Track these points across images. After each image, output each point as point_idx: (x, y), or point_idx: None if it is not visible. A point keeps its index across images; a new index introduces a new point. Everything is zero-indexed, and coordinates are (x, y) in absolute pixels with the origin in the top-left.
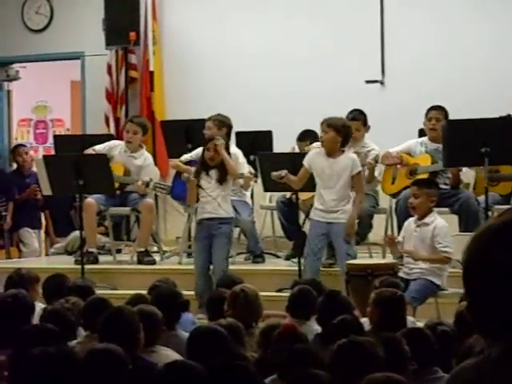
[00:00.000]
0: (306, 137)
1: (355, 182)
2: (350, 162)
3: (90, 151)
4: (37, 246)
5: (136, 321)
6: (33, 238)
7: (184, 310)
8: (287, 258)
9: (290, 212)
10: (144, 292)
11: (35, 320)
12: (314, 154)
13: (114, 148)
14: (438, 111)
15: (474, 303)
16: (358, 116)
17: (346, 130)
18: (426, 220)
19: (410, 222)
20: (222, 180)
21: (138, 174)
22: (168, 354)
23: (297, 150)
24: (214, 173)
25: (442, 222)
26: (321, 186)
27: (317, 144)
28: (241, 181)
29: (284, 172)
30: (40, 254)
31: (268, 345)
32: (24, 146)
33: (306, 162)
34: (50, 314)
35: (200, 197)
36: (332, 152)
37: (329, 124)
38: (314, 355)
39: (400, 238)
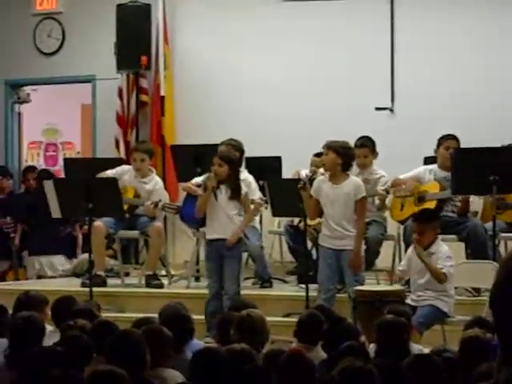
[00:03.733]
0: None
1: (357, 207)
2: (354, 187)
3: (101, 175)
4: (37, 271)
5: (143, 343)
6: (36, 262)
7: (191, 336)
8: (289, 273)
9: (296, 236)
10: (152, 315)
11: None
12: (319, 182)
13: (125, 173)
14: (454, 141)
15: (503, 326)
16: (367, 142)
17: (345, 152)
18: (432, 249)
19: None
20: (233, 197)
21: (149, 199)
22: (175, 377)
23: (303, 171)
24: (224, 189)
25: (445, 248)
26: (326, 212)
27: (304, 171)
28: (252, 206)
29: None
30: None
31: (272, 369)
32: (34, 168)
33: (312, 192)
34: (67, 338)
35: (209, 213)
36: (335, 176)
37: (329, 146)
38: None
39: (401, 267)
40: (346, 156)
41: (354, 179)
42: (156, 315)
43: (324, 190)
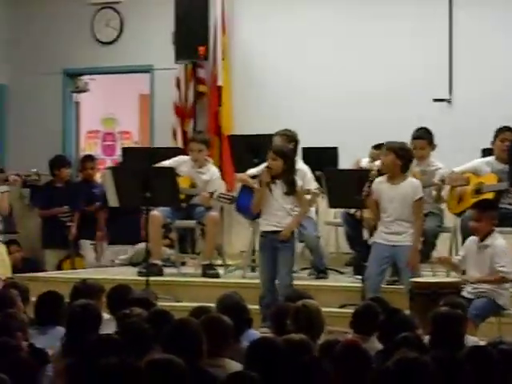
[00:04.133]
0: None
1: (414, 208)
2: (412, 188)
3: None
4: (92, 258)
5: (200, 333)
6: (93, 251)
7: (249, 326)
8: (347, 264)
9: (354, 223)
10: (208, 304)
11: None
12: (377, 183)
13: (183, 163)
14: (510, 133)
15: None
16: (424, 134)
17: (404, 154)
18: (488, 242)
19: (471, 241)
20: (288, 193)
21: (205, 189)
22: (233, 367)
23: (364, 160)
24: (279, 183)
25: (502, 241)
26: (383, 211)
27: (365, 160)
28: (308, 196)
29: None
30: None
31: (328, 360)
32: (92, 157)
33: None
34: (126, 326)
35: (264, 206)
36: (393, 176)
37: (388, 147)
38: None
39: (459, 257)
40: (405, 158)
41: (412, 180)
42: (212, 305)
43: (382, 190)
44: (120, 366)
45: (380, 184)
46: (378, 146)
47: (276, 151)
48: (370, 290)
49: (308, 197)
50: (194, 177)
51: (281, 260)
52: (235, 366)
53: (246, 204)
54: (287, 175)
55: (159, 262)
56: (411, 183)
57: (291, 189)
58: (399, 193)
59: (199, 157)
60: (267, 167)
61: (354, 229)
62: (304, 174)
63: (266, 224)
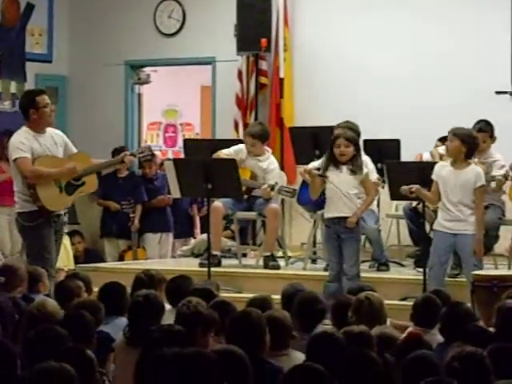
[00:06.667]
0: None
1: (477, 194)
2: (475, 175)
3: (217, 155)
4: (157, 252)
5: (263, 324)
6: (155, 243)
7: (323, 316)
8: (410, 256)
9: (416, 218)
10: (270, 295)
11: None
12: (440, 166)
13: (240, 152)
14: None
15: None
16: (485, 127)
17: (470, 141)
18: None
19: None
20: (353, 172)
21: (264, 178)
22: (298, 358)
23: (426, 154)
24: (345, 168)
25: None
26: (445, 196)
27: (442, 149)
28: None
29: (415, 187)
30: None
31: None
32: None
33: (434, 176)
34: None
35: (327, 191)
36: (457, 162)
37: (455, 133)
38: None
39: None
40: (470, 144)
41: (474, 167)
42: (275, 296)
43: (444, 174)
44: (181, 356)
45: (443, 168)
46: (443, 139)
47: (348, 138)
48: (433, 280)
49: None
50: (251, 165)
51: (346, 252)
52: (300, 356)
53: (308, 196)
54: (357, 159)
55: (218, 253)
56: (474, 170)
57: (357, 168)
58: (461, 179)
59: (253, 150)
60: (341, 154)
61: (416, 224)
62: (365, 164)
63: (331, 211)
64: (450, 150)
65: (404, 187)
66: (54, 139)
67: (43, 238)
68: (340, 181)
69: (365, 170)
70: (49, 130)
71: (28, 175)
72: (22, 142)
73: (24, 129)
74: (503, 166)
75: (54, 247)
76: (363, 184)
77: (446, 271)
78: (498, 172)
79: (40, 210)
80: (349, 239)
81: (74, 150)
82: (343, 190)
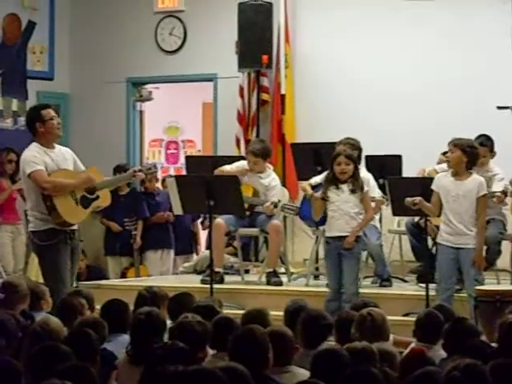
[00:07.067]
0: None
1: (479, 204)
2: (477, 184)
3: (220, 171)
4: (158, 269)
5: (266, 341)
6: (157, 260)
7: (329, 332)
8: (412, 272)
9: (419, 234)
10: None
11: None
12: (441, 176)
13: (243, 168)
14: None
15: None
16: (486, 142)
17: (471, 151)
18: None
19: None
20: (354, 191)
21: (265, 194)
22: (302, 374)
23: (428, 169)
24: (345, 187)
25: None
26: (447, 207)
27: (439, 167)
28: (372, 204)
29: (418, 199)
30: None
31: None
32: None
33: (434, 186)
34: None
35: (328, 211)
36: (458, 173)
37: (455, 144)
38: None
39: None
40: (471, 155)
41: (476, 177)
42: (278, 312)
43: (445, 184)
44: (186, 373)
45: (444, 178)
46: (446, 153)
47: (348, 156)
48: (442, 292)
49: (372, 204)
50: (252, 181)
51: (346, 268)
52: (303, 372)
53: (309, 212)
54: (356, 177)
55: (221, 270)
56: (476, 180)
57: (357, 187)
58: (463, 189)
59: (255, 168)
60: (341, 173)
61: (419, 239)
62: (367, 181)
63: (331, 230)
64: (451, 161)
65: (408, 199)
66: (64, 155)
67: (60, 257)
68: (341, 200)
69: (365, 189)
70: (58, 146)
71: (45, 186)
72: (35, 155)
73: (34, 144)
74: (502, 179)
75: (70, 265)
76: (362, 202)
77: (453, 284)
78: (497, 184)
79: (55, 228)
80: (349, 256)
81: (82, 168)
82: (345, 209)
